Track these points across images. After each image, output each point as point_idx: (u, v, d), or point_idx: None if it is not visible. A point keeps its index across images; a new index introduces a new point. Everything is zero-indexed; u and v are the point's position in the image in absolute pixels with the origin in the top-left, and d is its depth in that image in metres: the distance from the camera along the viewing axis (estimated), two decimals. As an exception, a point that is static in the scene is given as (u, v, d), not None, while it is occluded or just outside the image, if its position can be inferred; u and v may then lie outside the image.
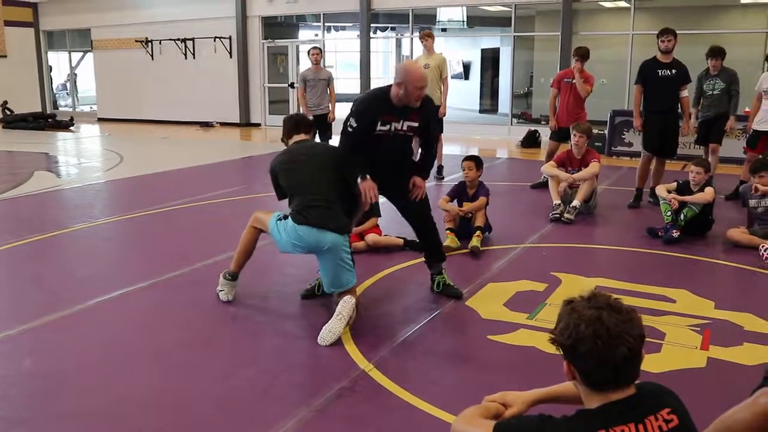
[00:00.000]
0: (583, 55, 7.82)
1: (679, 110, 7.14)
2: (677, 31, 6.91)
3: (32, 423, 2.83)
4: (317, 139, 8.10)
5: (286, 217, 3.85)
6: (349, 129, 4.00)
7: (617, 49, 14.05)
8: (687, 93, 7.11)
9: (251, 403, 2.97)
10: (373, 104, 4.06)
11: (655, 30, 7.18)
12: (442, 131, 8.79)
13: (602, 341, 1.59)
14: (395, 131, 4.04)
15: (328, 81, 8.97)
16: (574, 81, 7.81)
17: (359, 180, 4.01)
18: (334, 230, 3.71)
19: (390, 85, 4.00)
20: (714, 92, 7.51)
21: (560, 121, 7.94)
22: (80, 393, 3.10)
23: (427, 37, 8.53)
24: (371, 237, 5.34)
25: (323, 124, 8.81)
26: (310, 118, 8.80)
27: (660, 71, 6.92)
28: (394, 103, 3.97)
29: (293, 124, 4.26)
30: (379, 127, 3.98)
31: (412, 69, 3.94)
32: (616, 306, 1.65)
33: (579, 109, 7.87)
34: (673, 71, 6.91)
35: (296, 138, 4.20)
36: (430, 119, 4.22)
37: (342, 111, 5.81)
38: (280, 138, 4.36)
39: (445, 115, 8.64)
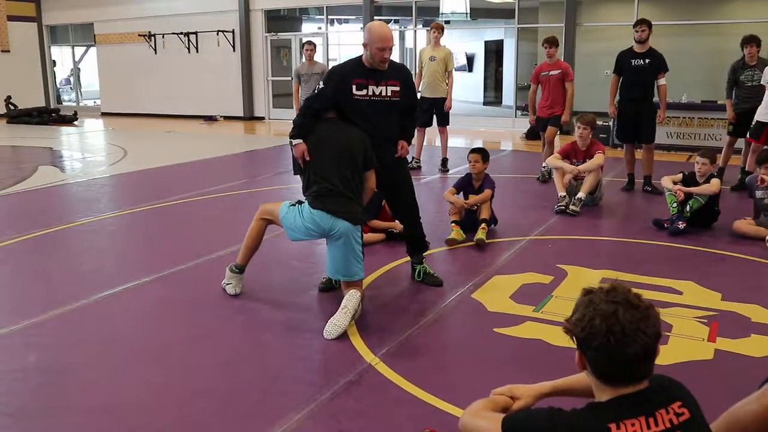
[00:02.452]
0: (550, 40, 7.90)
1: (656, 98, 7.24)
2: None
3: (36, 417, 2.84)
4: None
5: (300, 203, 3.86)
6: (315, 92, 4.05)
7: (622, 40, 13.91)
8: (665, 81, 7.18)
9: (257, 397, 2.96)
10: (342, 67, 4.12)
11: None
12: (448, 124, 8.82)
13: (615, 338, 1.56)
14: (376, 96, 3.98)
15: (322, 75, 8.92)
16: (551, 74, 7.86)
17: (292, 142, 3.90)
18: (346, 219, 3.73)
19: None
20: (753, 83, 7.27)
21: (539, 112, 8.01)
22: (84, 387, 3.10)
23: (437, 29, 8.53)
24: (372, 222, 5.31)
25: None
26: None
27: (633, 61, 7.13)
28: (366, 67, 3.98)
29: None
30: (355, 92, 3.94)
31: (375, 29, 3.91)
32: (633, 302, 1.61)
33: (561, 99, 7.89)
34: (647, 60, 7.08)
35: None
36: (410, 86, 4.17)
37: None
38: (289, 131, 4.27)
39: (450, 108, 8.66)
